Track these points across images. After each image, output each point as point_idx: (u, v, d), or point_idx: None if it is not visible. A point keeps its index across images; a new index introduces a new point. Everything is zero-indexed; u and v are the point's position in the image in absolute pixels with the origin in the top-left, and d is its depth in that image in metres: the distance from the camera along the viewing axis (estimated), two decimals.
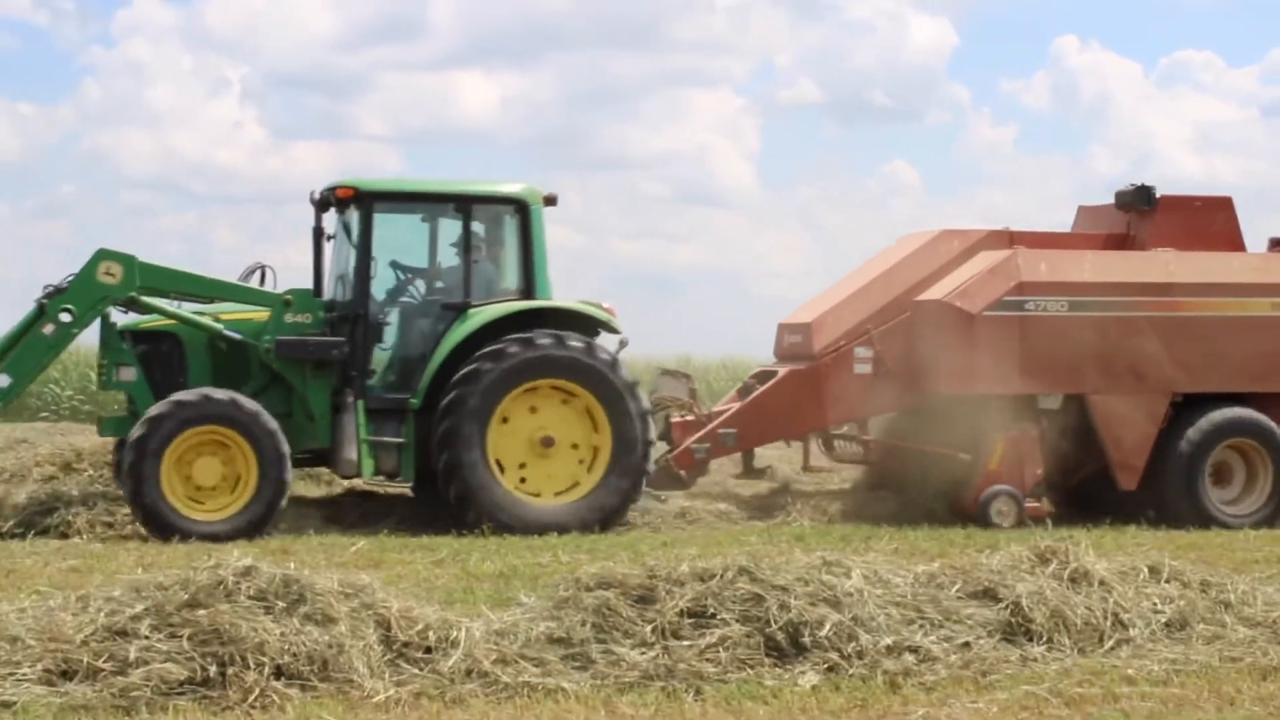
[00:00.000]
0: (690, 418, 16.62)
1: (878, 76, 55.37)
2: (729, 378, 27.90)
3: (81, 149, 56.66)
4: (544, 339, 14.63)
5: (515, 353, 14.49)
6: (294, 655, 7.59)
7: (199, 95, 56.91)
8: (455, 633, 8.06)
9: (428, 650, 7.96)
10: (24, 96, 60.85)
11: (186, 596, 7.82)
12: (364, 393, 14.63)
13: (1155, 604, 9.11)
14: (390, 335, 15.23)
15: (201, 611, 7.70)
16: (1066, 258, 16.46)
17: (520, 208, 15.16)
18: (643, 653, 8.07)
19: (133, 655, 7.48)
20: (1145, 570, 9.47)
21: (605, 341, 15.10)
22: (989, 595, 8.95)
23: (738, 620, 8.30)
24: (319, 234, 15.10)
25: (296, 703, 7.36)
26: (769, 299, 59.16)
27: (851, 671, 8.08)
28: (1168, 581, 9.40)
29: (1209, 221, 17.07)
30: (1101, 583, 9.13)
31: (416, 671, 7.81)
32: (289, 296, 14.82)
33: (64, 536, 13.75)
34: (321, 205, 15.08)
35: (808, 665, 8.12)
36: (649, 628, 8.21)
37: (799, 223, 59.07)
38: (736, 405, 16.65)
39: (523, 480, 14.73)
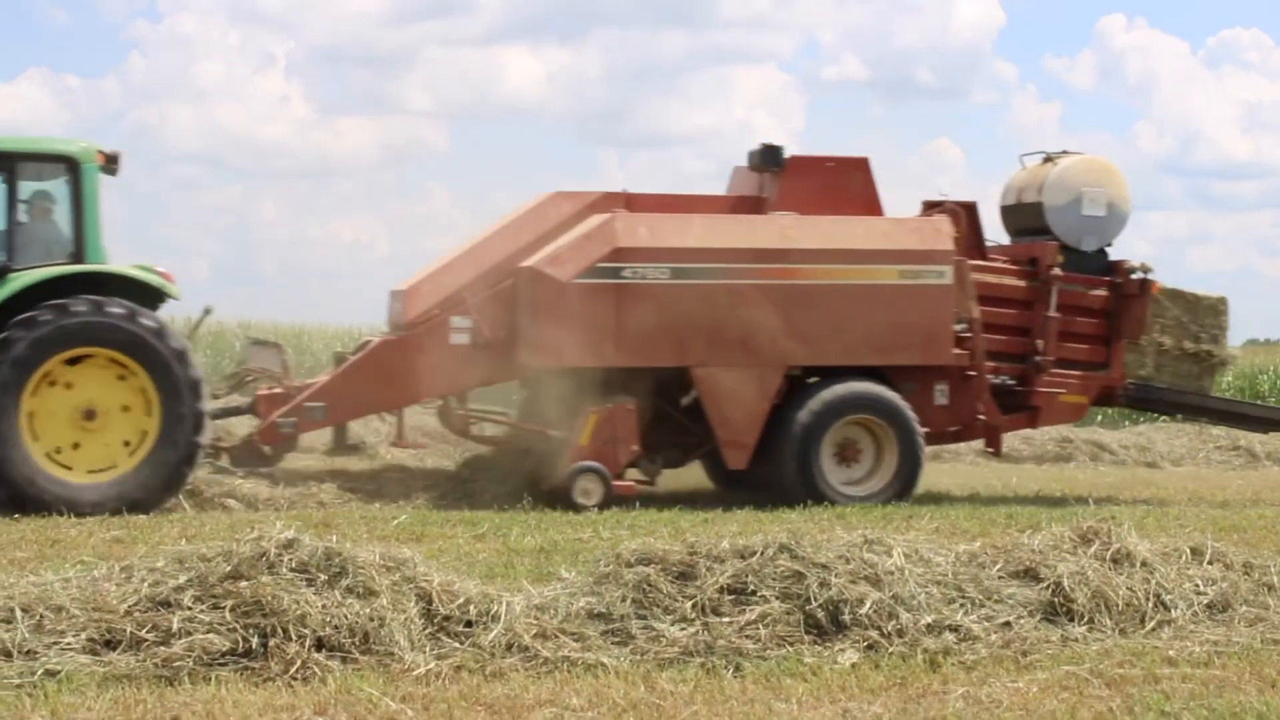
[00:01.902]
0: (279, 390, 15.58)
1: (923, 54, 55.18)
2: None
3: (127, 122, 57.01)
4: (80, 305, 13.72)
5: (49, 320, 13.62)
6: (335, 627, 7.62)
7: (245, 70, 57.24)
8: (496, 607, 8.08)
9: (468, 624, 7.99)
10: (70, 69, 61.22)
11: (229, 568, 7.86)
12: None
13: (1197, 585, 9.08)
14: None
15: (244, 583, 7.74)
16: (671, 222, 15.37)
17: (71, 166, 14.18)
18: (682, 629, 8.09)
19: (175, 626, 7.53)
20: (1188, 552, 9.44)
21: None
22: (1030, 575, 8.94)
23: (778, 597, 8.31)
24: None
25: (337, 674, 7.39)
26: None
27: (891, 650, 8.07)
28: (1210, 563, 9.37)
29: (843, 184, 16.04)
30: (1144, 564, 9.10)
31: (457, 645, 7.84)
32: None
33: None
34: None
35: (847, 643, 8.12)
36: (689, 604, 8.22)
37: None
38: (326, 378, 15.77)
39: (58, 450, 13.84)
